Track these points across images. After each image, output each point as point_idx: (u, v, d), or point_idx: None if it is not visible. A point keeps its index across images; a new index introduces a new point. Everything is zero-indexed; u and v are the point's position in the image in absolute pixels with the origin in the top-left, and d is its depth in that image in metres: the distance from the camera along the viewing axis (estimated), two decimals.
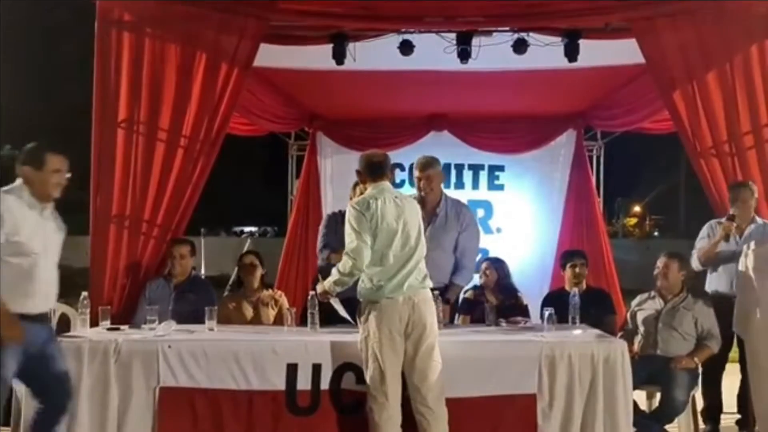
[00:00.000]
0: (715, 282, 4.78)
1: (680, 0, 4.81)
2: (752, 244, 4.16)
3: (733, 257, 4.58)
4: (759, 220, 4.69)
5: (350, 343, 3.86)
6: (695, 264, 4.82)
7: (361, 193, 4.02)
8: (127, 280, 4.80)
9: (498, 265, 5.26)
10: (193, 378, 3.85)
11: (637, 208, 32.79)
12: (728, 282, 4.70)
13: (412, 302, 3.74)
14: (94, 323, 4.30)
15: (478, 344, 4.03)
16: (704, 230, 4.86)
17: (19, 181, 3.49)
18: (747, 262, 4.15)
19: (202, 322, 4.30)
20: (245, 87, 5.23)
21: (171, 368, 3.86)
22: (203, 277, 5.12)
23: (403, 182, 7.77)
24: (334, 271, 3.85)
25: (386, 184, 3.90)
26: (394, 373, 3.72)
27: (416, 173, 4.82)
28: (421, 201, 4.74)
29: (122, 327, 4.28)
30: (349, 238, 3.77)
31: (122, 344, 3.89)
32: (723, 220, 4.78)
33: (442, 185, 5.06)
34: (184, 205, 4.91)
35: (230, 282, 5.24)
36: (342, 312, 3.98)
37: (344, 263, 3.77)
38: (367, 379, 3.73)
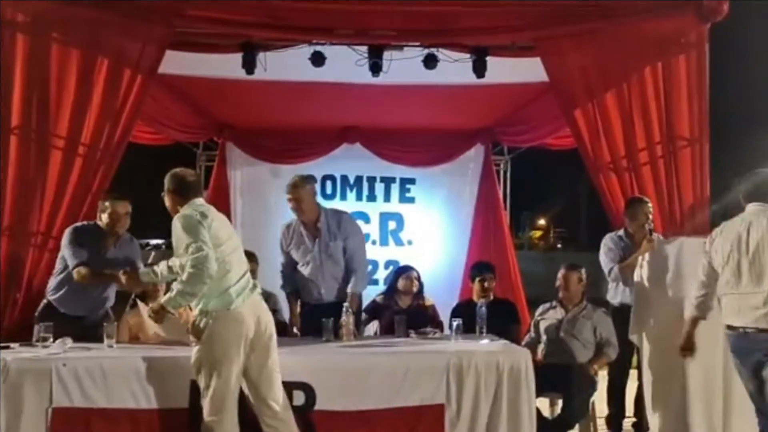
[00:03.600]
0: (620, 293, 4.94)
1: (582, 22, 5.00)
2: (647, 256, 4.36)
3: None
4: (651, 229, 4.88)
5: None
6: (614, 276, 4.90)
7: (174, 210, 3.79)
8: (19, 294, 4.54)
9: (418, 274, 5.29)
10: (89, 398, 3.66)
11: (541, 221, 33.93)
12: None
13: (257, 313, 3.67)
14: None
15: (387, 356, 4.03)
16: (608, 243, 4.98)
17: None
18: (642, 272, 4.34)
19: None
20: (150, 94, 5.09)
21: (65, 388, 3.65)
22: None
23: (314, 194, 7.71)
24: (174, 285, 3.61)
25: (202, 200, 3.82)
26: (236, 390, 3.60)
27: (287, 196, 4.81)
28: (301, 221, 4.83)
29: (12, 345, 4.02)
30: (191, 248, 3.53)
31: (11, 363, 3.64)
32: (621, 233, 4.97)
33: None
34: (83, 217, 4.70)
35: (131, 298, 5.04)
36: (161, 332, 3.87)
37: (190, 274, 3.52)
38: (207, 399, 3.53)
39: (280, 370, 3.74)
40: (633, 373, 5.00)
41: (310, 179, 4.88)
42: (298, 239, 4.86)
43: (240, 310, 3.61)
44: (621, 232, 4.98)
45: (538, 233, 33.92)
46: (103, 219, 4.43)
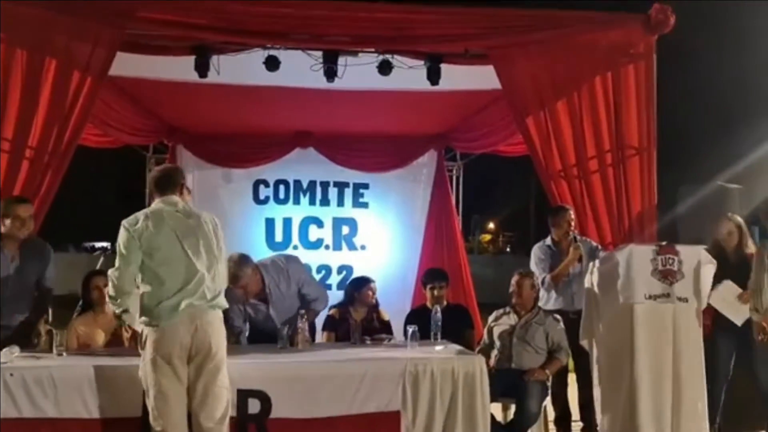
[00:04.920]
0: (552, 300, 5.07)
1: (533, 32, 5.09)
2: (597, 262, 4.45)
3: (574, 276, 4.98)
4: (575, 236, 4.97)
5: None
6: (547, 285, 5.06)
7: None
8: None
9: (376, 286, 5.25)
10: (39, 408, 3.56)
11: (491, 225, 34.30)
12: (566, 299, 5.03)
13: (195, 325, 3.54)
14: None
15: (342, 363, 4.01)
16: (537, 254, 5.17)
17: None
18: (592, 279, 4.43)
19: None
20: (99, 96, 4.98)
21: (13, 398, 3.55)
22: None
23: (267, 198, 7.69)
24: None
25: (173, 198, 3.72)
26: (177, 402, 3.52)
27: (233, 285, 4.53)
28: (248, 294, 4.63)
29: None
30: (116, 258, 3.61)
31: None
32: (548, 242, 5.15)
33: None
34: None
35: (79, 305, 4.91)
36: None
37: (109, 287, 3.64)
38: (149, 408, 3.52)
39: (235, 378, 3.69)
40: (571, 377, 5.12)
41: (244, 260, 4.54)
42: (252, 310, 4.70)
43: (173, 322, 3.51)
44: (548, 242, 5.17)
45: (487, 237, 34.29)
46: (6, 224, 4.26)
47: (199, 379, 3.55)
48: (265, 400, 3.76)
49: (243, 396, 3.72)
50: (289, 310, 4.66)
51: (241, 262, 4.51)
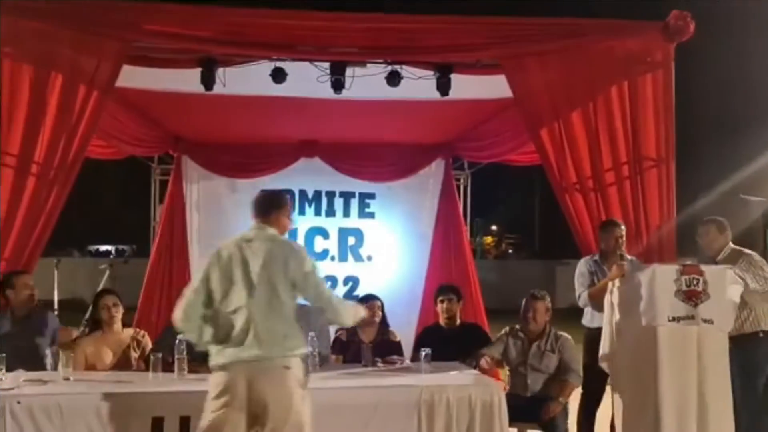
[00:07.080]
0: (597, 317, 4.69)
1: (548, 41, 4.97)
2: (617, 282, 4.29)
3: None
4: (622, 253, 4.81)
5: None
6: (584, 302, 4.80)
7: None
8: None
9: (382, 303, 5.08)
10: None
11: (494, 227, 34.10)
12: None
13: (247, 378, 3.25)
14: None
15: (354, 391, 3.87)
16: (581, 267, 4.85)
17: None
18: (612, 298, 4.27)
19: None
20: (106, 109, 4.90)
21: (20, 426, 3.45)
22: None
23: None
24: None
25: (261, 228, 3.46)
26: None
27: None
28: None
29: None
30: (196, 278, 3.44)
31: None
32: (596, 257, 4.83)
33: None
34: (36, 238, 4.51)
35: (86, 317, 4.84)
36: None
37: (180, 309, 3.40)
38: None
39: None
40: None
41: None
42: None
43: (226, 369, 3.29)
44: (596, 257, 4.85)
45: (489, 240, 34.06)
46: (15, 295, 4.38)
47: None
48: None
49: None
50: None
51: None
